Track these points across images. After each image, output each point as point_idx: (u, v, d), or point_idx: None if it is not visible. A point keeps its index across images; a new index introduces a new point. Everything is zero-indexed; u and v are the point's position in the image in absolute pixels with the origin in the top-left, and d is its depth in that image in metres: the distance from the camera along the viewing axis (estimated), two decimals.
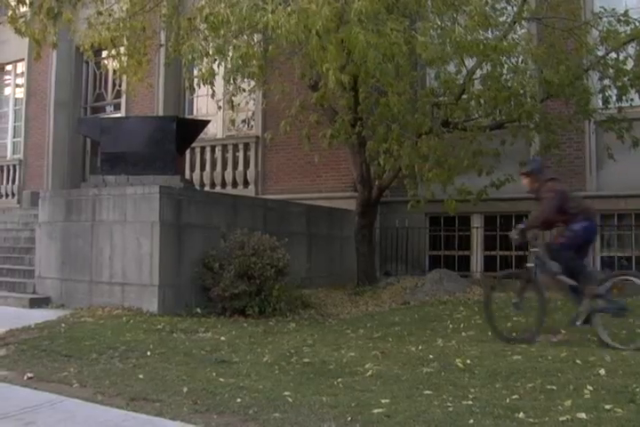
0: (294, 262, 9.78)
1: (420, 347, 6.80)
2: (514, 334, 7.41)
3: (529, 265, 7.27)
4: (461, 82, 10.04)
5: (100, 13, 11.76)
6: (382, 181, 11.62)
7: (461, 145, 10.56)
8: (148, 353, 6.49)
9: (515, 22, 9.90)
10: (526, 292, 7.28)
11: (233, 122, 14.03)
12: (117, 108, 17.91)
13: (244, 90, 10.90)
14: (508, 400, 4.75)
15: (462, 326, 8.21)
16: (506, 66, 9.70)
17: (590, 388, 5.00)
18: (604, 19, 9.96)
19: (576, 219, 7.04)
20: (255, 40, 9.72)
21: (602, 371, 5.49)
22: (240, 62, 8.68)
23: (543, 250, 7.20)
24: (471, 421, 4.29)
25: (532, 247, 7.36)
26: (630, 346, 6.61)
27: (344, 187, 13.56)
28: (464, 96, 10.30)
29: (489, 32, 9.27)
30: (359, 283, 11.82)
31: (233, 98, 10.99)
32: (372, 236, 12.15)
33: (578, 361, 5.89)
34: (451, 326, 8.28)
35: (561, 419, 4.28)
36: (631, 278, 6.85)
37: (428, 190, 10.57)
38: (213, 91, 9.71)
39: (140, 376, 5.62)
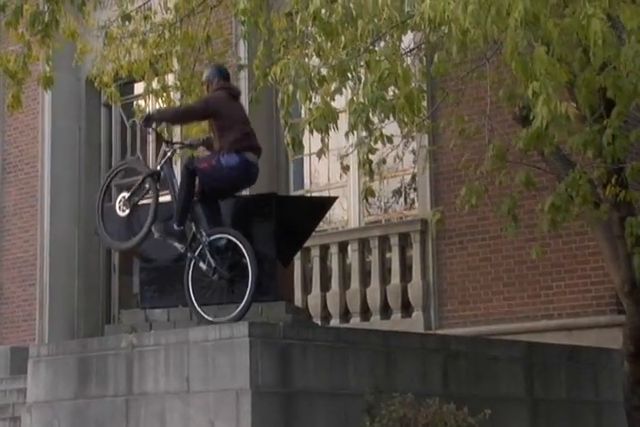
0: None
1: None
2: None
3: None
4: None
5: (126, 18, 12.47)
6: None
7: None
8: None
9: None
10: None
11: (374, 195, 14.13)
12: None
13: (385, 136, 10.78)
14: None
15: None
16: None
17: None
18: None
19: None
20: (404, 49, 10.03)
21: None
22: (380, 90, 8.91)
23: None
24: None
25: None
26: None
27: (595, 305, 13.58)
28: None
29: None
30: None
31: (371, 155, 11.08)
32: None
33: None
34: None
35: None
36: None
37: None
38: (325, 144, 9.88)
39: None
